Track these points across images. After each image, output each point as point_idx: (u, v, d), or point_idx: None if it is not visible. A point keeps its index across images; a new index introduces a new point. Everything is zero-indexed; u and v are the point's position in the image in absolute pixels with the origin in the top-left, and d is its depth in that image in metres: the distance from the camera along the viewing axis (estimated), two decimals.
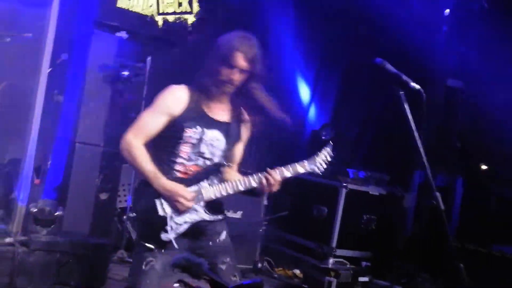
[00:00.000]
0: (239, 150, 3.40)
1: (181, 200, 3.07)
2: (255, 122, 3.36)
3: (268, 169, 3.20)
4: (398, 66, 3.46)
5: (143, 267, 3.04)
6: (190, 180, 3.16)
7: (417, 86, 3.43)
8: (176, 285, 2.01)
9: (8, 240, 3.93)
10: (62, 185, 5.01)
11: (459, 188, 6.09)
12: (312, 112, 7.29)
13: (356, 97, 6.86)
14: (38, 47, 4.34)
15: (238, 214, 5.61)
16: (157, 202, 3.09)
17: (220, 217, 3.24)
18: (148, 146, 3.17)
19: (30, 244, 3.93)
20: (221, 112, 3.27)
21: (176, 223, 3.11)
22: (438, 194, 3.34)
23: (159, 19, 5.84)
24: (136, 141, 3.12)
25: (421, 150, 3.48)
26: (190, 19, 5.97)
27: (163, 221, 3.08)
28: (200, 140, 3.17)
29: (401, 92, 3.39)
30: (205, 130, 3.18)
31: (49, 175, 4.86)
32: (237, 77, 3.18)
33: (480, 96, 6.01)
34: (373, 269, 5.75)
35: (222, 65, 3.16)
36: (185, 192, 3.09)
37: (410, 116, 3.38)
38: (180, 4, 5.91)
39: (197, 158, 3.18)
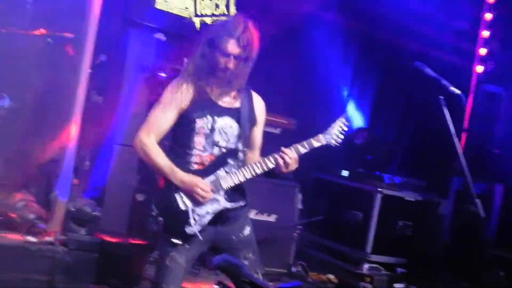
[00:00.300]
0: (256, 134, 3.35)
1: (200, 191, 3.06)
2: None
3: (283, 148, 3.16)
4: (436, 71, 3.43)
5: (167, 262, 3.04)
6: (207, 170, 3.13)
7: (457, 91, 3.37)
8: (215, 286, 2.00)
9: (47, 239, 3.98)
10: (100, 185, 5.06)
11: (498, 195, 5.99)
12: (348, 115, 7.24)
13: (393, 101, 6.79)
14: (79, 47, 4.39)
15: (272, 218, 5.58)
16: (177, 196, 3.09)
17: (241, 203, 3.21)
18: (162, 143, 3.18)
19: (69, 244, 3.97)
20: (229, 98, 3.24)
21: (199, 215, 3.09)
22: (478, 201, 3.29)
23: (197, 21, 5.85)
24: (148, 139, 3.13)
25: (461, 156, 3.43)
26: None
27: (185, 214, 3.07)
28: (212, 129, 3.15)
29: (440, 97, 3.34)
30: (216, 118, 3.16)
31: (88, 175, 4.91)
32: (232, 64, 3.14)
33: None
34: (408, 276, 5.68)
35: (216, 53, 3.13)
36: (202, 184, 3.07)
37: (449, 121, 3.34)
38: (217, 6, 5.92)
39: (212, 148, 3.16)
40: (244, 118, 3.25)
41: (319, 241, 6.31)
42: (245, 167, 3.17)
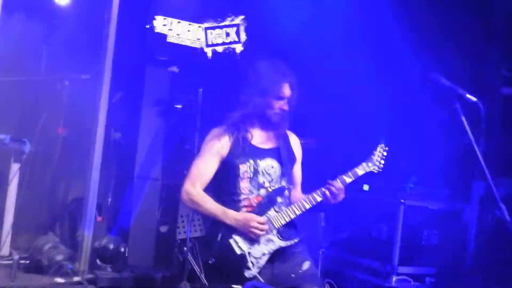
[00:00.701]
0: (296, 170, 3.45)
1: (255, 225, 3.12)
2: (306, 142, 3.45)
3: (329, 180, 3.22)
4: (450, 78, 3.45)
5: None
6: (257, 211, 3.19)
7: (474, 98, 3.40)
8: None
9: (76, 279, 4.03)
10: (124, 220, 5.11)
11: None
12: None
13: (410, 112, 6.77)
14: (96, 87, 4.47)
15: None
16: (232, 241, 3.14)
17: (295, 239, 3.25)
18: (208, 191, 3.26)
19: (97, 282, 4.01)
20: (267, 139, 3.32)
21: (256, 257, 3.14)
22: (503, 205, 3.29)
23: (208, 51, 5.91)
24: (194, 189, 3.22)
25: (482, 161, 3.44)
26: (238, 48, 6.03)
27: (243, 258, 3.12)
28: (255, 172, 3.22)
29: (457, 106, 3.36)
30: (258, 161, 3.23)
31: (111, 211, 4.97)
32: (286, 106, 3.26)
33: None
34: (437, 285, 5.63)
35: (269, 98, 3.22)
36: (256, 217, 3.13)
37: (468, 128, 3.35)
38: (227, 34, 5.98)
39: (258, 190, 3.23)
40: (284, 156, 3.34)
41: (346, 257, 6.29)
42: (295, 204, 3.25)
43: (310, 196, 3.25)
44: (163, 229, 5.32)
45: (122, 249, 4.27)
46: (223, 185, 3.26)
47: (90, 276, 4.09)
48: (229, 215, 3.14)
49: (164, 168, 5.31)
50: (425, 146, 6.72)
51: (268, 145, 3.31)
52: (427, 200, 6.14)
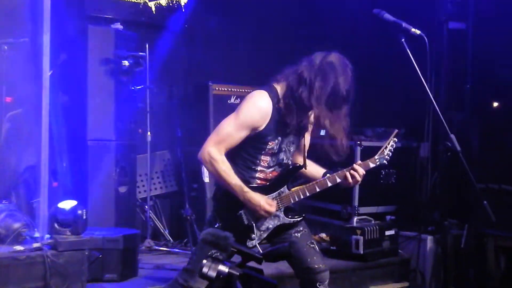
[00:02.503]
0: (306, 140, 3.41)
1: (266, 214, 3.13)
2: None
3: (355, 165, 3.28)
4: (397, 14, 3.44)
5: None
6: (270, 187, 3.19)
7: (418, 32, 3.41)
8: (204, 261, 2.02)
9: (35, 245, 3.97)
10: (80, 183, 5.05)
11: (474, 130, 6.05)
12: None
13: (359, 53, 6.76)
14: (37, 50, 4.33)
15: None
16: (242, 212, 3.15)
17: (299, 219, 3.27)
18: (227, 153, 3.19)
19: (58, 246, 3.96)
20: (293, 114, 3.23)
21: (260, 230, 3.18)
22: (453, 136, 3.34)
23: (152, 5, 5.80)
24: (218, 155, 3.10)
25: (430, 96, 3.47)
26: (183, 0, 5.93)
27: (249, 230, 3.15)
28: (279, 149, 3.20)
29: (402, 40, 3.37)
30: (283, 138, 3.21)
31: (66, 175, 4.90)
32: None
33: (484, 35, 5.94)
34: (398, 222, 5.75)
35: (341, 102, 3.18)
36: (269, 207, 3.12)
37: (414, 63, 3.37)
38: None
39: (275, 165, 3.22)
40: (302, 130, 3.30)
41: (308, 202, 6.36)
42: (313, 184, 3.24)
43: (327, 179, 3.25)
44: (122, 189, 5.28)
45: (80, 212, 4.19)
46: (244, 152, 3.19)
47: (50, 241, 4.04)
48: (247, 196, 3.10)
49: (117, 128, 5.24)
50: (379, 85, 6.77)
51: (291, 120, 3.22)
52: (383, 140, 6.20)
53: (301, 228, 3.27)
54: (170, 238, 5.78)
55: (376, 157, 3.41)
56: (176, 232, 5.90)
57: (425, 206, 5.70)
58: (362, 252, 5.22)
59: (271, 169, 3.22)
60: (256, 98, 3.16)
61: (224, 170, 3.09)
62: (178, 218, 5.79)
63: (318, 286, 3.21)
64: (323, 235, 5.98)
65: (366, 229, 5.26)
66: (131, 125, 5.46)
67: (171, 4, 5.91)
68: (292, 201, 3.21)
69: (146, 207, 5.63)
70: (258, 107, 3.14)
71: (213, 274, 2.03)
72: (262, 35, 6.66)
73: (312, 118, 3.33)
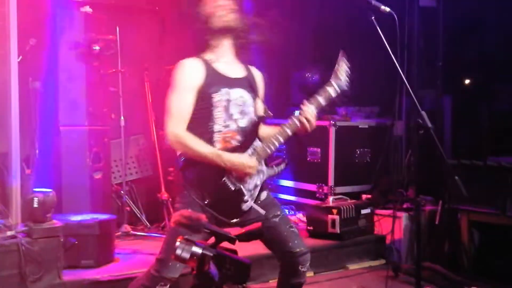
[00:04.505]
0: (260, 103, 3.35)
1: (250, 170, 3.04)
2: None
3: (303, 105, 3.14)
4: None
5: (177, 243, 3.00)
6: (241, 147, 3.11)
7: (387, 9, 3.40)
8: (178, 242, 2.01)
9: (9, 233, 3.93)
10: (54, 170, 5.00)
11: (447, 107, 6.11)
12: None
13: (335, 32, 6.75)
14: (4, 35, 4.25)
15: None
16: (226, 179, 3.04)
17: (283, 165, 3.22)
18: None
19: (32, 234, 3.92)
20: (235, 68, 3.24)
21: (250, 190, 3.08)
22: (424, 113, 3.35)
23: None
24: (180, 131, 3.05)
25: (402, 74, 3.48)
26: None
27: (239, 193, 3.05)
28: (228, 101, 3.13)
29: (372, 17, 3.36)
30: (229, 90, 3.14)
31: (39, 163, 4.84)
32: (229, 8, 3.19)
33: (455, 11, 5.97)
34: (374, 200, 5.80)
35: (209, 9, 3.18)
36: (251, 162, 3.04)
37: (385, 41, 3.37)
38: None
39: (232, 122, 3.13)
40: (252, 87, 3.25)
41: (285, 183, 6.39)
42: (277, 132, 3.13)
43: (290, 123, 3.13)
44: (97, 175, 5.24)
45: (55, 199, 4.15)
46: (198, 116, 3.11)
47: (24, 229, 4.00)
48: (225, 158, 3.01)
49: (89, 113, 5.19)
50: (351, 64, 6.77)
51: (237, 74, 3.22)
52: (357, 120, 6.25)
53: (278, 213, 3.24)
54: (147, 223, 5.78)
55: (332, 82, 3.24)
56: (153, 216, 5.89)
57: (399, 184, 5.76)
58: (338, 231, 5.26)
59: (227, 129, 3.13)
60: (182, 62, 3.19)
61: (194, 144, 3.04)
62: (155, 203, 5.77)
63: (300, 268, 3.20)
64: (300, 215, 6.02)
65: (342, 208, 5.30)
66: (104, 110, 5.40)
67: None
68: (269, 151, 3.12)
69: (122, 192, 5.60)
70: (185, 66, 3.16)
71: (186, 255, 2.02)
72: None
73: (259, 77, 3.35)
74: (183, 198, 3.13)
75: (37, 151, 4.97)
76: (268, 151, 3.11)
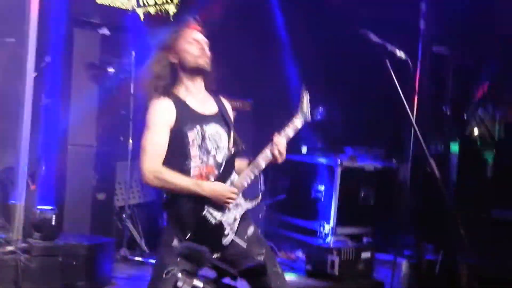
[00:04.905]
0: (234, 134, 3.34)
1: (231, 195, 3.07)
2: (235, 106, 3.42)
3: (274, 138, 3.19)
4: (383, 36, 3.46)
5: (164, 276, 2.94)
6: (219, 180, 3.13)
7: (403, 55, 3.43)
8: (179, 275, 2.01)
9: (9, 248, 3.92)
10: (58, 188, 5.01)
11: (454, 155, 6.11)
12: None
13: (343, 73, 6.80)
14: (22, 51, 4.30)
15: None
16: (206, 213, 3.06)
17: (259, 199, 3.23)
18: None
19: (32, 250, 3.92)
20: (206, 105, 3.25)
21: (229, 224, 3.10)
22: (432, 161, 3.35)
23: (140, 12, 5.79)
24: (156, 166, 3.05)
25: (412, 119, 3.49)
26: (171, 9, 5.92)
27: (219, 227, 3.07)
28: (203, 138, 3.14)
29: (387, 62, 3.39)
30: (204, 127, 3.16)
31: (45, 179, 4.85)
32: (205, 48, 3.22)
33: (467, 60, 6.02)
34: (375, 244, 5.76)
35: (182, 43, 3.19)
36: (231, 188, 3.08)
37: (397, 86, 3.39)
38: None
39: (208, 158, 3.15)
40: (226, 121, 3.27)
41: (285, 219, 6.36)
42: (251, 165, 3.18)
43: (263, 155, 3.18)
44: (101, 196, 5.25)
45: (57, 217, 4.16)
46: (173, 155, 3.12)
47: (24, 245, 3.99)
48: (205, 187, 3.04)
49: (98, 134, 5.21)
50: (360, 107, 6.82)
51: (209, 111, 3.24)
52: (363, 161, 6.24)
53: (263, 251, 3.23)
54: (146, 248, 5.74)
55: (298, 114, 3.31)
56: (153, 242, 5.85)
57: (402, 229, 5.72)
58: (337, 273, 5.22)
59: (204, 164, 3.14)
60: (153, 102, 3.16)
61: (172, 177, 3.04)
62: (155, 228, 5.75)
63: None
64: (299, 253, 5.98)
65: (342, 250, 5.26)
66: (113, 131, 5.43)
67: (159, 13, 5.90)
68: (246, 184, 3.16)
69: (124, 215, 5.59)
70: (156, 106, 3.14)
71: None
72: (246, 47, 6.67)
73: (229, 108, 3.36)
74: (163, 234, 3.15)
75: (43, 168, 4.98)
76: (245, 184, 3.16)
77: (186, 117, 3.14)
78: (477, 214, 5.11)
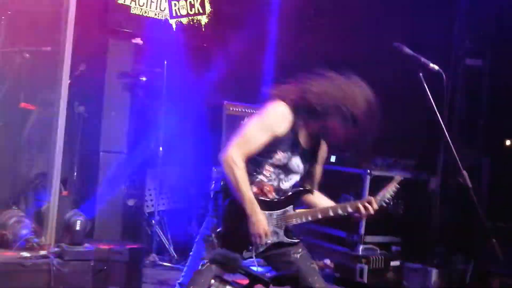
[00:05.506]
0: (318, 171, 3.33)
1: (259, 235, 3.04)
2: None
3: (370, 198, 3.24)
4: (416, 48, 3.46)
5: (200, 267, 2.97)
6: (276, 204, 3.14)
7: (436, 67, 3.42)
8: (212, 281, 2.03)
9: (42, 253, 3.99)
10: (89, 194, 5.08)
11: (486, 167, 6.04)
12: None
13: (376, 84, 6.79)
14: (57, 59, 4.38)
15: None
16: (244, 222, 3.06)
17: (296, 240, 3.22)
18: None
19: (64, 255, 3.97)
20: (308, 138, 3.21)
21: (258, 244, 3.09)
22: (465, 172, 3.34)
23: (173, 23, 5.87)
24: (240, 161, 3.04)
25: (444, 130, 3.48)
26: (203, 20, 6.00)
27: (245, 240, 3.07)
28: (285, 164, 3.15)
29: (420, 74, 3.39)
30: (292, 156, 3.16)
31: (77, 185, 4.93)
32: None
33: (501, 72, 5.96)
34: (403, 253, 5.73)
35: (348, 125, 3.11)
36: (267, 227, 3.05)
37: (430, 98, 3.38)
38: (192, 6, 5.93)
39: (275, 180, 3.16)
40: (309, 157, 3.23)
41: (313, 228, 6.35)
42: (317, 209, 3.20)
43: (339, 207, 3.20)
44: (131, 202, 5.32)
45: (89, 222, 4.22)
46: (252, 158, 3.10)
47: (56, 249, 4.06)
48: (254, 209, 3.02)
49: (129, 142, 5.28)
50: (391, 116, 6.78)
51: (304, 144, 3.20)
52: (393, 171, 6.20)
53: (300, 250, 3.24)
54: (175, 254, 5.78)
55: (378, 197, 3.33)
56: (181, 248, 5.90)
57: (432, 239, 5.68)
58: (366, 281, 5.19)
59: (269, 183, 3.16)
60: (279, 104, 3.14)
61: (242, 178, 3.04)
62: (184, 235, 5.79)
63: None
64: (328, 261, 5.96)
65: (371, 258, 5.24)
66: (144, 139, 5.49)
67: (191, 23, 5.98)
68: (295, 222, 3.14)
69: (153, 221, 5.64)
70: (281, 111, 3.12)
71: None
72: (279, 54, 6.70)
73: (324, 149, 3.33)
74: (203, 226, 3.17)
75: (75, 174, 5.06)
76: (294, 221, 3.14)
77: (288, 139, 3.12)
78: (508, 226, 5.05)
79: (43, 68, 4.60)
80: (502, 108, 5.95)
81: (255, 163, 3.13)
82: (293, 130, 3.14)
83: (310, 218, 3.17)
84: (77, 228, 4.15)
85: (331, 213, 3.19)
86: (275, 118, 3.11)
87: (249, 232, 3.07)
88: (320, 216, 3.19)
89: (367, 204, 3.20)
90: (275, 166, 3.14)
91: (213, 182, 3.21)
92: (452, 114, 5.87)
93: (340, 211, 3.20)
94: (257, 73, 6.62)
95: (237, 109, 5.83)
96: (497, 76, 5.92)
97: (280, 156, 3.11)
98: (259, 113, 3.14)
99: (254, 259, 3.09)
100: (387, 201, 3.37)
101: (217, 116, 5.79)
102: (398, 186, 3.41)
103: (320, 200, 3.31)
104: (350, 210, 3.19)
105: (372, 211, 3.22)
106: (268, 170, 3.14)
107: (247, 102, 5.92)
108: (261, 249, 3.13)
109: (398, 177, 3.42)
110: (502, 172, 6.02)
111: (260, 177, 3.14)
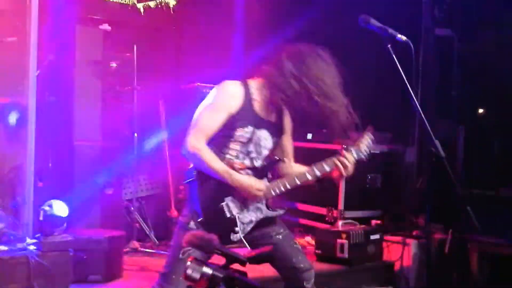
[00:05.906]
0: (288, 142, 3.37)
1: (258, 193, 3.07)
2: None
3: (344, 151, 3.18)
4: (384, 20, 3.45)
5: (180, 255, 3.02)
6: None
7: (404, 38, 3.42)
8: (188, 262, 2.02)
9: (20, 245, 3.95)
10: (66, 184, 5.04)
11: (460, 136, 6.10)
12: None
13: (347, 58, 6.78)
14: (24, 51, 4.31)
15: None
16: (224, 205, 3.10)
17: (281, 212, 3.25)
18: None
19: (42, 247, 3.94)
20: (269, 112, 3.23)
21: (243, 223, 3.12)
22: (437, 141, 3.36)
23: (140, 7, 5.81)
24: (200, 144, 3.07)
25: (416, 102, 3.49)
26: (171, 2, 5.94)
27: (232, 222, 3.09)
28: (250, 139, 3.15)
29: (388, 46, 3.38)
30: (255, 130, 3.16)
31: (52, 176, 4.88)
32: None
33: (471, 42, 5.99)
34: (383, 226, 5.78)
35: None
36: (260, 184, 3.08)
37: (400, 69, 3.39)
38: None
39: (244, 157, 3.17)
40: (277, 129, 3.26)
41: (293, 206, 6.37)
42: (293, 174, 3.18)
43: (314, 167, 3.17)
44: (108, 191, 5.28)
45: (66, 213, 4.18)
46: (215, 139, 3.13)
47: (34, 241, 4.02)
48: (235, 177, 3.05)
49: (104, 130, 5.24)
50: (366, 91, 6.80)
51: (266, 116, 3.22)
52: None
53: (281, 230, 3.26)
54: (156, 240, 5.77)
55: (352, 149, 3.27)
56: (162, 233, 5.89)
57: (410, 211, 5.73)
58: (347, 256, 5.23)
59: (239, 160, 3.16)
60: (226, 83, 3.18)
61: (208, 158, 3.06)
62: (164, 220, 5.78)
63: (304, 285, 3.21)
64: (308, 238, 6.00)
65: (351, 233, 5.27)
66: (118, 126, 5.45)
67: (159, 6, 5.91)
68: (273, 194, 3.16)
69: (132, 208, 5.62)
70: (228, 89, 3.16)
71: (197, 275, 2.03)
72: (250, 36, 6.67)
73: (289, 119, 3.34)
74: (185, 210, 3.18)
75: (50, 165, 5.01)
76: (273, 192, 3.15)
77: (246, 113, 3.13)
78: (484, 193, 5.11)
79: (10, 59, 4.52)
80: (473, 77, 6.00)
81: (218, 145, 3.14)
82: (247, 104, 3.14)
83: (288, 186, 3.17)
84: (54, 219, 4.10)
85: (309, 176, 3.19)
86: (223, 97, 3.13)
87: (248, 200, 3.07)
88: (298, 182, 3.18)
89: (342, 159, 3.17)
90: (241, 143, 3.13)
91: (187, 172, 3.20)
92: (425, 85, 5.90)
93: (317, 172, 3.18)
94: (228, 53, 6.59)
95: (210, 91, 5.78)
96: (466, 45, 5.96)
97: (241, 132, 3.12)
98: (207, 97, 3.16)
99: (243, 240, 3.10)
100: (365, 153, 3.33)
101: (192, 98, 5.75)
102: (373, 137, 3.38)
103: (300, 170, 3.31)
104: (327, 168, 3.18)
105: (349, 165, 3.18)
106: (233, 148, 3.14)
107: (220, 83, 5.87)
108: (248, 228, 3.13)
109: (369, 128, 3.40)
110: (477, 141, 6.09)
111: (228, 156, 3.14)
